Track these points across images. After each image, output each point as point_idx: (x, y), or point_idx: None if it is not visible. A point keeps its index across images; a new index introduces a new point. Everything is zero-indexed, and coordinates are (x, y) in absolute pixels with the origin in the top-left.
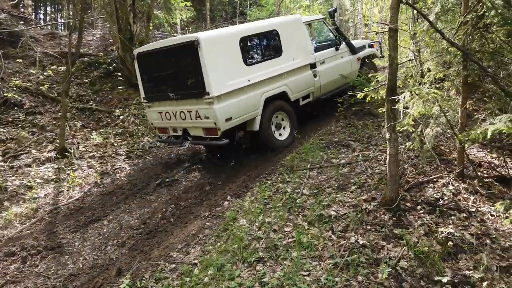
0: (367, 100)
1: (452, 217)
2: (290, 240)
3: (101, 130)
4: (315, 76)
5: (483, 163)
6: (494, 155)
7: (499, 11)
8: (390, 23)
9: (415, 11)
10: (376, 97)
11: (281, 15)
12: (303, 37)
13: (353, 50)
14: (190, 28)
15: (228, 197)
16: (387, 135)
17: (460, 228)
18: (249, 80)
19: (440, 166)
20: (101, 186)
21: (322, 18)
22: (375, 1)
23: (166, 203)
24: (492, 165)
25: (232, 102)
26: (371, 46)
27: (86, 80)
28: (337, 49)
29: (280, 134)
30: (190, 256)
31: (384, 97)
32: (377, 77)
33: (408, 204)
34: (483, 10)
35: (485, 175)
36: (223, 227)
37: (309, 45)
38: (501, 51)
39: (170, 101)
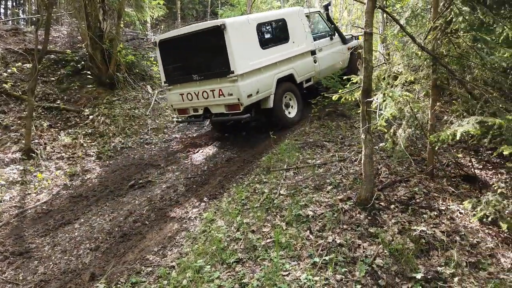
0: (341, 102)
1: (424, 216)
2: (268, 240)
3: (70, 130)
4: (315, 61)
5: (450, 162)
6: (460, 155)
7: (466, 17)
8: (365, 27)
9: (385, 15)
10: (350, 99)
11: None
12: (305, 27)
13: (344, 40)
14: (163, 26)
15: (205, 198)
16: (362, 136)
17: (431, 226)
18: (263, 62)
19: (412, 166)
20: (71, 188)
21: (318, 11)
22: (345, 4)
23: (140, 205)
24: (459, 164)
25: (252, 80)
26: (356, 38)
27: (53, 78)
28: (331, 39)
29: (289, 113)
30: (167, 259)
31: (359, 99)
32: (352, 79)
33: (382, 203)
34: (451, 16)
35: (453, 174)
36: (200, 228)
37: (310, 34)
38: (467, 55)
39: (192, 82)
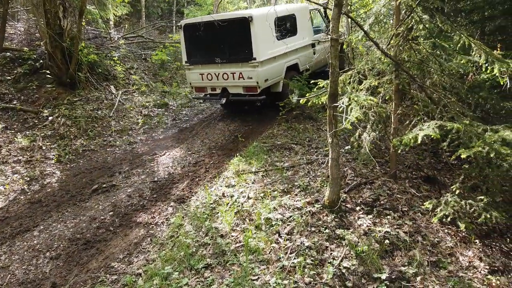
0: (309, 105)
1: (388, 217)
2: (238, 245)
3: (27, 132)
4: (314, 53)
5: (412, 164)
6: (421, 157)
7: (426, 25)
8: (332, 33)
9: (350, 20)
10: (317, 102)
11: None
12: (308, 22)
13: None
14: (127, 25)
15: (172, 203)
16: (329, 140)
17: (395, 227)
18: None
19: (376, 168)
20: (29, 193)
21: (318, 8)
22: None
23: (104, 211)
24: (420, 166)
25: (269, 67)
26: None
27: (9, 77)
28: (327, 34)
29: (292, 97)
30: (133, 266)
31: (325, 103)
32: (319, 84)
33: (348, 205)
34: (412, 24)
35: (414, 176)
36: (168, 234)
37: (311, 28)
38: (427, 61)
39: (214, 64)
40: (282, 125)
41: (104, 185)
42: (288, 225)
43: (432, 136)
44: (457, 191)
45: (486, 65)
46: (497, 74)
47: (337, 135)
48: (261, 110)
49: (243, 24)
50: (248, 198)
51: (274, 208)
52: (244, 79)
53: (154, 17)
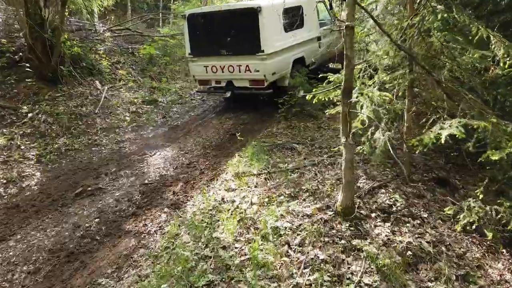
0: (314, 102)
1: (407, 225)
2: (243, 258)
3: (5, 130)
4: (319, 46)
5: (420, 165)
6: (428, 158)
7: (443, 15)
8: (347, 20)
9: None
10: (323, 99)
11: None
12: (315, 14)
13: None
14: (112, 17)
15: (165, 209)
16: (343, 140)
17: (416, 236)
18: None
19: (386, 170)
20: (5, 197)
21: (324, 0)
22: None
23: (90, 217)
24: (428, 167)
25: (276, 60)
26: None
27: None
28: (332, 27)
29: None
30: (123, 283)
31: (338, 99)
32: (329, 78)
33: (363, 212)
34: (427, 14)
35: (425, 178)
36: (162, 245)
37: (317, 21)
38: (439, 55)
39: (220, 56)
40: (281, 123)
41: (89, 188)
42: (298, 234)
43: (457, 136)
44: (481, 196)
45: (507, 59)
46: None
47: (351, 135)
48: (257, 106)
49: (251, 15)
50: (252, 203)
51: (282, 215)
52: (251, 72)
53: (140, 12)
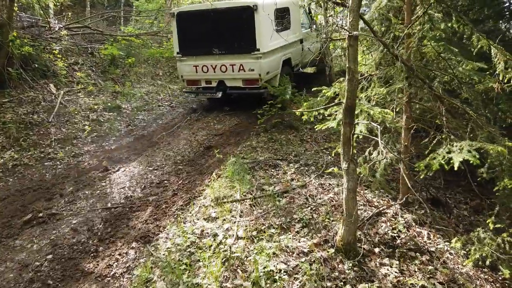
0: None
1: (416, 262)
2: None
3: None
4: (302, 49)
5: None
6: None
7: (443, 25)
8: (350, 29)
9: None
10: (307, 118)
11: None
12: (299, 17)
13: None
14: (70, 13)
15: (133, 243)
16: (344, 166)
17: (428, 276)
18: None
19: (381, 190)
20: None
21: (303, 4)
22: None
23: (41, 253)
24: (419, 185)
25: (270, 59)
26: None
27: None
28: (311, 30)
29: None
30: None
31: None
32: (324, 92)
33: (365, 247)
34: (426, 23)
35: (421, 197)
36: None
37: (300, 23)
38: (431, 65)
39: (211, 56)
40: (261, 136)
41: (41, 214)
42: (295, 278)
43: (471, 162)
44: (491, 226)
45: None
46: None
47: (355, 159)
48: (232, 115)
49: (246, 13)
50: (237, 238)
51: (274, 253)
52: (245, 71)
53: (100, 8)
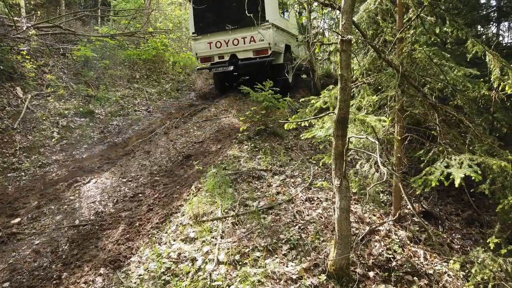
0: (285, 127)
1: (414, 287)
2: None
3: None
4: (297, 47)
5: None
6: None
7: (438, 30)
8: (343, 32)
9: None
10: (288, 127)
11: (152, 9)
12: (294, 18)
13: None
14: (39, 12)
15: (102, 268)
16: (336, 182)
17: None
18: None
19: (373, 207)
20: None
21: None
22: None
23: None
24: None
25: (277, 33)
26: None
27: None
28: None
29: (289, 77)
30: None
31: (331, 132)
32: (312, 102)
33: (359, 271)
34: (418, 28)
35: (411, 211)
36: None
37: (295, 24)
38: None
39: (223, 31)
40: (244, 144)
41: None
42: None
43: (473, 178)
44: (492, 245)
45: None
46: (509, 92)
47: (347, 176)
48: (212, 120)
49: None
50: (218, 263)
51: (259, 281)
52: (255, 42)
53: (75, 7)
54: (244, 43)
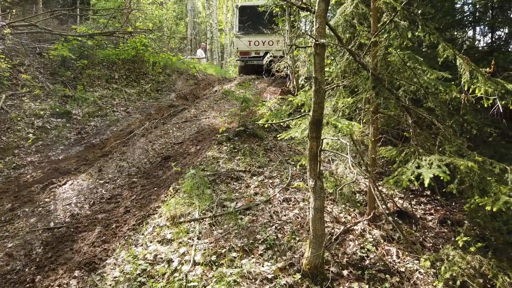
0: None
1: (386, 284)
2: None
3: None
4: None
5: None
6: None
7: (410, 34)
8: (317, 36)
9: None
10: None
11: (132, 8)
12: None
13: None
14: (14, 10)
15: (76, 271)
16: (311, 183)
17: None
18: None
19: (347, 204)
20: None
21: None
22: (227, 7)
23: None
24: (392, 198)
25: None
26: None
27: None
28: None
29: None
30: None
31: (306, 134)
32: (291, 99)
33: (333, 269)
34: (390, 31)
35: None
36: None
37: None
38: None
39: (262, 34)
40: (223, 145)
41: None
42: None
43: (441, 178)
44: (461, 242)
45: (475, 82)
46: (479, 95)
47: (322, 177)
48: (194, 121)
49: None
50: (195, 264)
51: (235, 281)
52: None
53: (53, 5)
54: (273, 44)
